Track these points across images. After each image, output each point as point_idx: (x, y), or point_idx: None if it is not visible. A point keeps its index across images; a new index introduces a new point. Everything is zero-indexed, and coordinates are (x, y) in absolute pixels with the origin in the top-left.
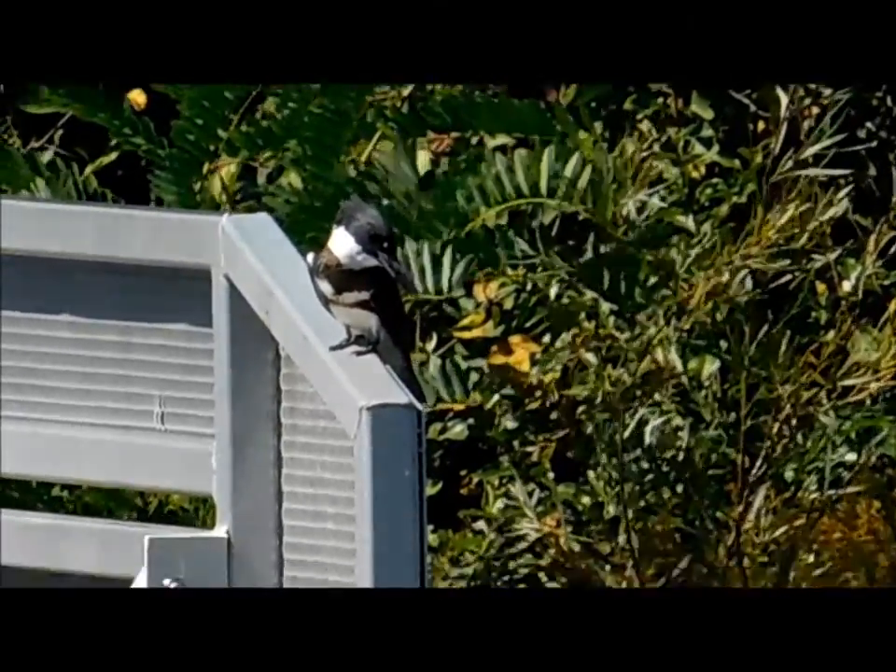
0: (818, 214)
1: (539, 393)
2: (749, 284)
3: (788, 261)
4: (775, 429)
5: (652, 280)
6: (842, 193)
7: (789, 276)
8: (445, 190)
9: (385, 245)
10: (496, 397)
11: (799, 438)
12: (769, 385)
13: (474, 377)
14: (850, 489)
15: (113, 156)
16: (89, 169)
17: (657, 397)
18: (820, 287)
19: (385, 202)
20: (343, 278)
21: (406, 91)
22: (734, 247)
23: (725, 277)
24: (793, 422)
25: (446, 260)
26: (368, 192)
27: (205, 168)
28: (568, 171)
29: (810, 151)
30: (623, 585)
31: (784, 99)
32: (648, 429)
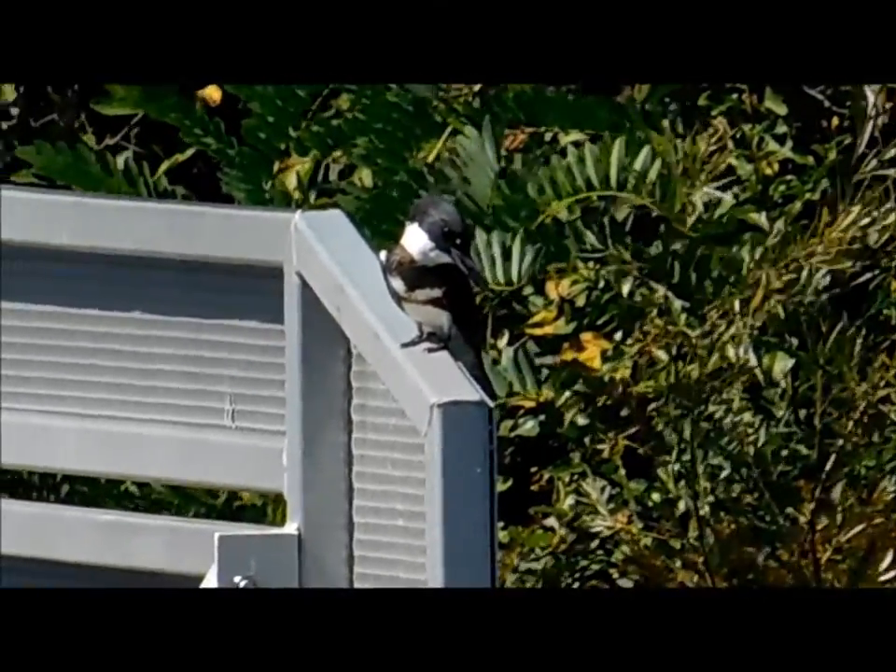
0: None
1: (610, 389)
2: (826, 281)
3: (863, 260)
4: (849, 427)
5: (724, 276)
6: None
7: (868, 275)
8: (516, 184)
9: (459, 241)
10: (567, 393)
11: (875, 437)
12: (842, 384)
13: (545, 374)
14: None
15: (189, 153)
16: (164, 166)
17: (728, 394)
18: (894, 284)
19: (460, 193)
20: (416, 275)
21: (478, 86)
22: (808, 243)
23: (802, 275)
24: (866, 420)
25: (516, 251)
26: (442, 182)
27: (276, 167)
28: (638, 164)
29: (894, 151)
30: (695, 579)
31: (871, 97)
32: (722, 424)
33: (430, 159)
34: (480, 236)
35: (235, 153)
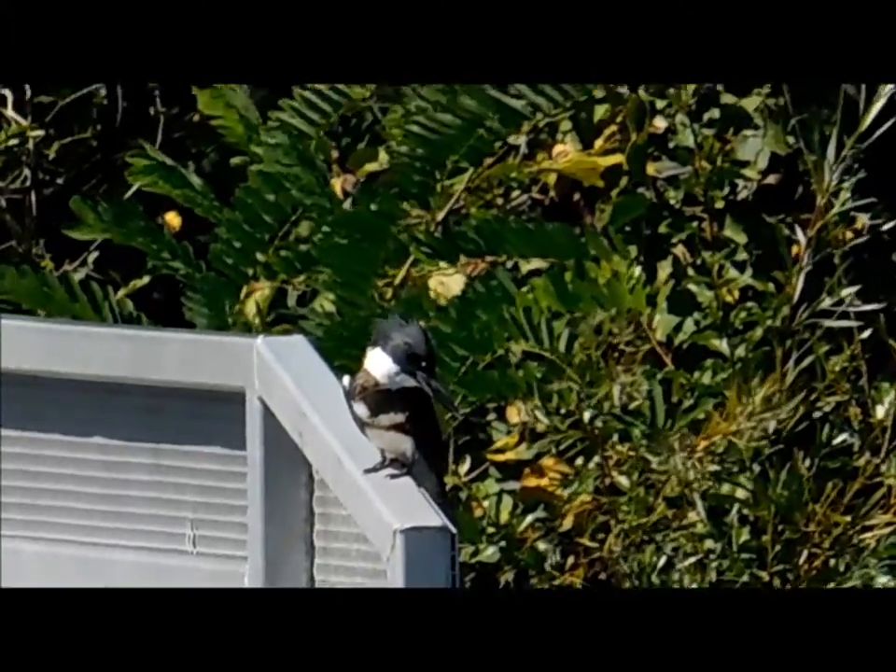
0: (839, 361)
1: (570, 516)
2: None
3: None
4: (804, 556)
5: (686, 403)
6: (858, 340)
7: (819, 412)
8: (464, 318)
9: (424, 364)
10: (528, 519)
11: (832, 562)
12: (795, 526)
13: (507, 500)
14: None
15: (146, 279)
16: (122, 292)
17: (687, 520)
18: (853, 411)
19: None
20: (380, 400)
21: (440, 216)
22: (751, 399)
23: (747, 424)
24: (825, 545)
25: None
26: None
27: (243, 291)
28: (562, 345)
29: (827, 303)
30: None
31: (802, 239)
32: (683, 551)
33: (391, 292)
34: None
35: (201, 278)
